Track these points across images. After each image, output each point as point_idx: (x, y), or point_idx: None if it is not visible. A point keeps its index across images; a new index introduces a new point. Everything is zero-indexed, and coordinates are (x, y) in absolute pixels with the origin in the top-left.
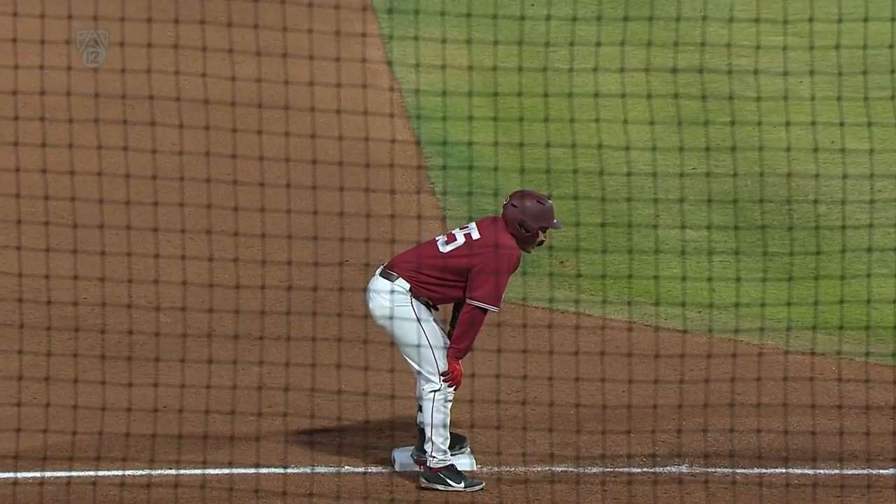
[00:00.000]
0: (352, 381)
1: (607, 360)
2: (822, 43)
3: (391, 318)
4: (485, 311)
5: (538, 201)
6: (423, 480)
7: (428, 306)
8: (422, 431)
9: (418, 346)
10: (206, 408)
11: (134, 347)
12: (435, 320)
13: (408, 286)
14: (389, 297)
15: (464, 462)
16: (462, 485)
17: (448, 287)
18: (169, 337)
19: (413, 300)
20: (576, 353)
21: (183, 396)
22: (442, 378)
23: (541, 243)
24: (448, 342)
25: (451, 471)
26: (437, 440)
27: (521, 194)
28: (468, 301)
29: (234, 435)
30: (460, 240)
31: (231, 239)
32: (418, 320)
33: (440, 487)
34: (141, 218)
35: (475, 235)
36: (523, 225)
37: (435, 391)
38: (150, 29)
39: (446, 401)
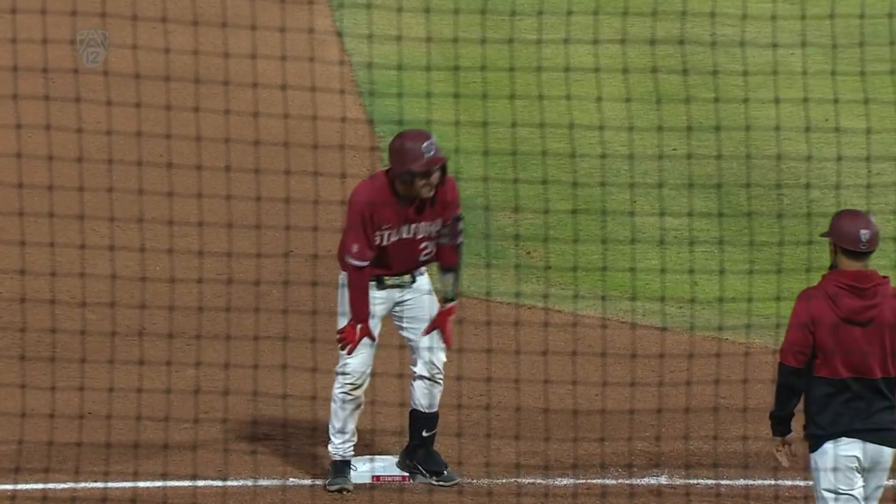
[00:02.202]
0: (298, 384)
1: (579, 361)
2: (814, 11)
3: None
4: (347, 262)
5: (405, 142)
6: None
7: (374, 281)
8: (412, 436)
9: (338, 314)
10: (136, 414)
11: (57, 347)
12: (370, 291)
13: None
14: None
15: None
16: (328, 481)
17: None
18: (95, 336)
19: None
20: (544, 353)
21: (111, 401)
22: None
23: (430, 185)
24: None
25: (335, 465)
26: (334, 440)
27: (396, 137)
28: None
29: (167, 444)
30: None
31: (164, 227)
32: (343, 287)
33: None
34: (64, 204)
35: None
36: (395, 171)
37: (335, 383)
38: None
39: (339, 396)
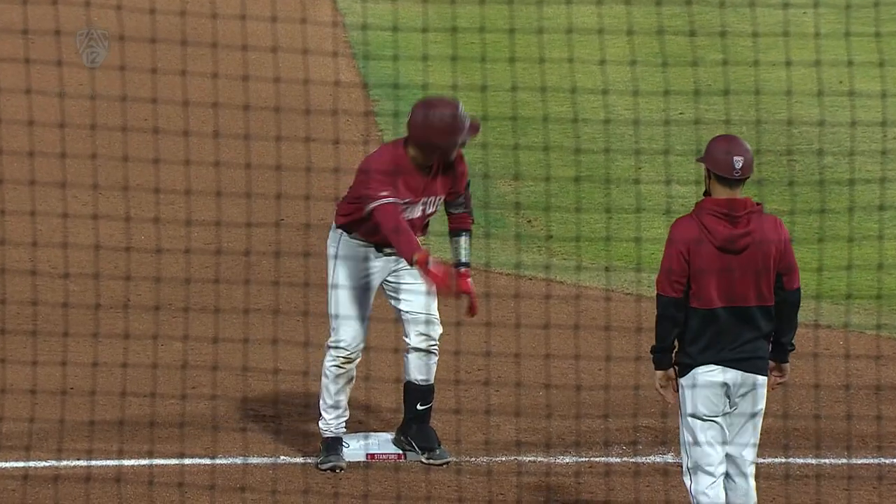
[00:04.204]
0: (289, 358)
1: (582, 334)
2: None
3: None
4: (375, 206)
5: (439, 114)
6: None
7: (371, 248)
8: (407, 410)
9: (327, 284)
10: (121, 389)
11: (38, 320)
12: (367, 260)
13: (333, 223)
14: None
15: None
16: (320, 459)
17: (355, 208)
18: (79, 308)
19: (341, 237)
20: (546, 327)
21: (95, 376)
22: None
23: (463, 143)
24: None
25: (327, 442)
26: (325, 415)
27: (423, 105)
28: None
29: (154, 421)
30: None
31: (150, 196)
32: (335, 257)
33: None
34: (46, 171)
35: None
36: (422, 143)
37: (325, 355)
38: None
39: (330, 370)
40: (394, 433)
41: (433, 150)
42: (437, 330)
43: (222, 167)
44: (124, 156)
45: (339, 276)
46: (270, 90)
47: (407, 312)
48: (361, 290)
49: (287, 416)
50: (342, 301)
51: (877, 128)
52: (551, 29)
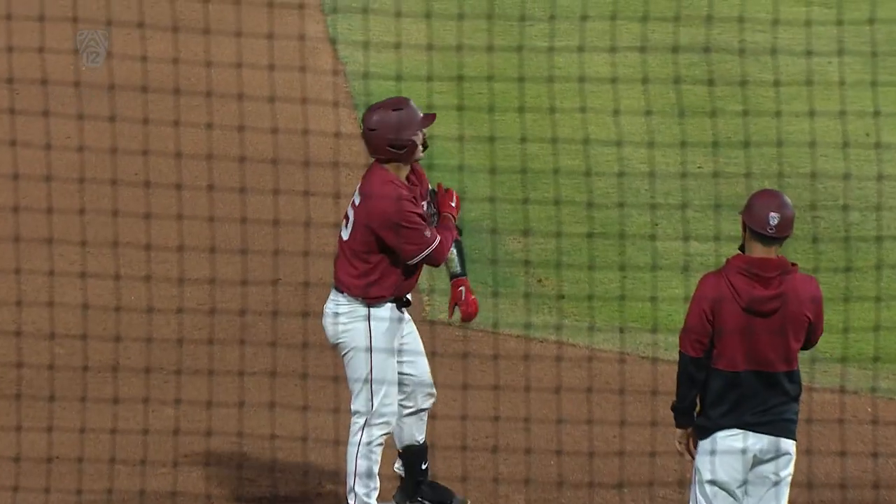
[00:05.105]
0: (287, 424)
1: (595, 399)
2: (853, 16)
3: (339, 341)
4: (430, 253)
5: (393, 109)
6: None
7: (399, 303)
8: (412, 474)
9: (354, 349)
10: (110, 457)
11: (22, 383)
12: (398, 322)
13: (350, 296)
14: (336, 317)
15: None
16: None
17: (370, 267)
18: (65, 371)
19: (369, 309)
20: (557, 391)
21: (82, 443)
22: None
23: (425, 146)
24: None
25: None
26: (360, 491)
27: (372, 112)
28: (411, 261)
29: (143, 490)
30: (350, 215)
31: (141, 252)
32: (370, 322)
33: None
34: (31, 227)
35: (356, 200)
36: (394, 144)
37: (360, 430)
38: None
39: (371, 445)
40: (393, 500)
41: (404, 148)
42: (434, 388)
43: (217, 222)
44: (114, 211)
45: (379, 344)
46: (268, 141)
47: (412, 376)
48: (393, 357)
49: (285, 484)
50: (382, 372)
51: None
52: (563, 78)
